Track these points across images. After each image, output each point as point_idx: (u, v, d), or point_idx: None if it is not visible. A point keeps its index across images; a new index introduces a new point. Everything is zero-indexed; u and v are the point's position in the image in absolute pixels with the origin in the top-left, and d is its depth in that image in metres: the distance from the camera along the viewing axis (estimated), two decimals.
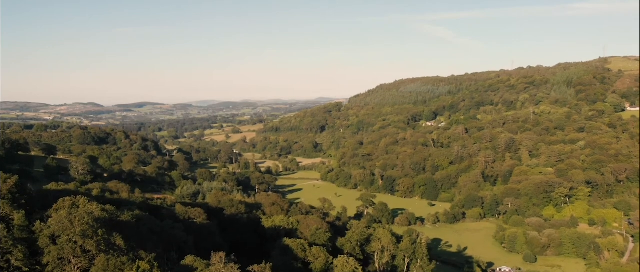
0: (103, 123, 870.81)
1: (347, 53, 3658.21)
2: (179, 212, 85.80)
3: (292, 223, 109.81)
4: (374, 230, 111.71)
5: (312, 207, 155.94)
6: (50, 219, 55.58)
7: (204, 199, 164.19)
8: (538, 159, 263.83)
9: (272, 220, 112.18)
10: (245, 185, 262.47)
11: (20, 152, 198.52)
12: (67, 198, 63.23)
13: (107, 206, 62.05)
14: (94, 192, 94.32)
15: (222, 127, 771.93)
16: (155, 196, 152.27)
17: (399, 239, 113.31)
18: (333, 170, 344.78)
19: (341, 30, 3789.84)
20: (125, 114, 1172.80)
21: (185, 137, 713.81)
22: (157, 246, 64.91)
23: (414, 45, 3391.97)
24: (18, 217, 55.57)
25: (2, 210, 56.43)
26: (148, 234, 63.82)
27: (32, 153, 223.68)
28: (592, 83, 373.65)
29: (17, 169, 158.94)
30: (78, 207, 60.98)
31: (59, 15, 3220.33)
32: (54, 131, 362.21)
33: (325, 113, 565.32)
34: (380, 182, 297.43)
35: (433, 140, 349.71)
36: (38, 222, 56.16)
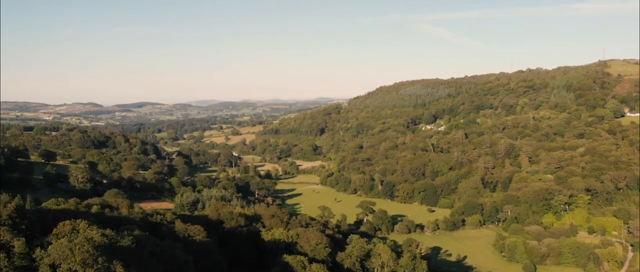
0: (102, 123, 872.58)
1: (347, 53, 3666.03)
2: (178, 230, 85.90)
3: (291, 237, 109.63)
4: (374, 245, 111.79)
5: (312, 219, 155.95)
6: (50, 247, 55.33)
7: (203, 208, 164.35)
8: (537, 165, 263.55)
9: (272, 233, 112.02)
10: (244, 190, 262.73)
11: (19, 159, 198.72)
12: (67, 222, 63.10)
13: (107, 230, 61.94)
14: (94, 209, 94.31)
15: (221, 128, 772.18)
16: (155, 206, 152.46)
17: (399, 254, 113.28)
18: (333, 174, 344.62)
19: (341, 30, 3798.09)
20: (124, 114, 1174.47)
21: (184, 138, 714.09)
22: (157, 270, 64.99)
23: (413, 46, 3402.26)
24: (18, 244, 55.31)
25: (3, 237, 56.22)
26: (147, 258, 63.79)
27: (32, 158, 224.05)
28: (591, 88, 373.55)
29: (17, 177, 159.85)
30: (78, 232, 60.95)
31: (58, 15, 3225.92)
32: (53, 134, 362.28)
33: (325, 115, 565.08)
34: (380, 187, 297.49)
35: (433, 145, 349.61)
36: (38, 249, 55.92)
